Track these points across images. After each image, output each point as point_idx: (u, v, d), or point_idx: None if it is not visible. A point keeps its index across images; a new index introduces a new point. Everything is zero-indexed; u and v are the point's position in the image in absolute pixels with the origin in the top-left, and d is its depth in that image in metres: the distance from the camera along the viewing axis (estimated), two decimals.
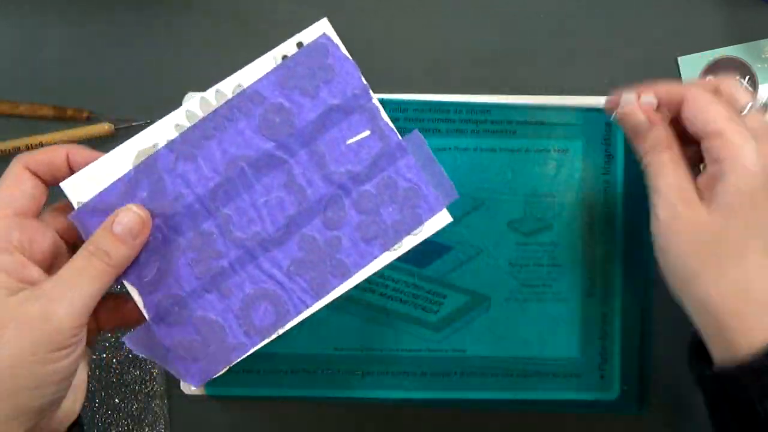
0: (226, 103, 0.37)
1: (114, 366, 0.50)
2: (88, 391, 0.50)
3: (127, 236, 0.35)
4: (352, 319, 0.49)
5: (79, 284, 0.33)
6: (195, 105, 0.37)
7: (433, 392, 0.49)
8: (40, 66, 0.51)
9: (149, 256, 0.36)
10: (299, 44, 0.36)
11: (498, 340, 0.49)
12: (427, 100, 0.49)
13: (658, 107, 0.39)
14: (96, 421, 0.50)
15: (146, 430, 0.50)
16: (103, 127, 0.50)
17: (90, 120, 0.51)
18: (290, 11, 0.51)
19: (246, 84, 0.37)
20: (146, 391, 0.50)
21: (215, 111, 0.37)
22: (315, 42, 0.36)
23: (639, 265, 0.49)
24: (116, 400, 0.50)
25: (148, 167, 0.36)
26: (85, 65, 0.51)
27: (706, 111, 0.37)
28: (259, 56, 0.51)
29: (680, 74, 0.51)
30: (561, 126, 0.49)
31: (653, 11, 0.51)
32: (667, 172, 0.38)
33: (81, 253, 0.34)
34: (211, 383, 0.49)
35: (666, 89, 0.39)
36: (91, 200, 0.36)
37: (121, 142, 0.37)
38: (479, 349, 0.49)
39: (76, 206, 0.36)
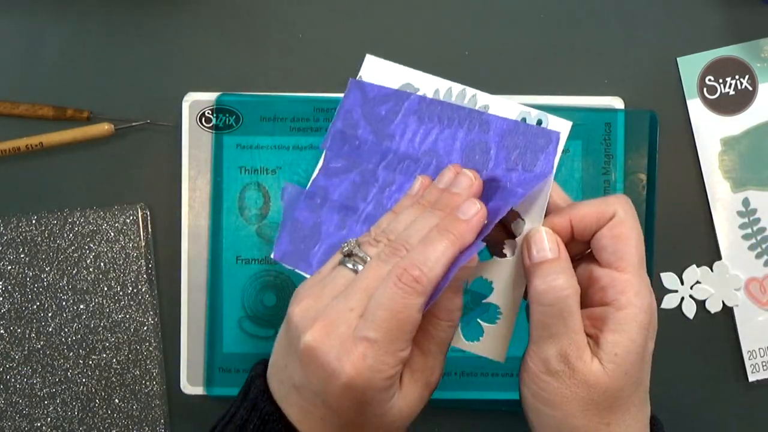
0: (469, 110, 0.38)
1: (114, 366, 0.50)
2: (88, 391, 0.50)
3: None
4: None
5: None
6: (446, 88, 0.38)
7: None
8: (40, 66, 0.51)
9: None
10: (539, 121, 0.36)
11: None
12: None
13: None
14: (96, 421, 0.50)
15: (146, 430, 0.50)
16: (103, 127, 0.50)
17: (90, 120, 0.51)
18: (291, 11, 0.51)
19: (486, 104, 0.38)
20: (146, 391, 0.50)
21: (460, 107, 0.38)
22: (550, 131, 0.36)
23: None
24: (116, 400, 0.50)
25: (400, 97, 0.39)
26: (85, 65, 0.51)
27: (627, 243, 0.34)
28: (259, 55, 0.51)
29: (680, 74, 0.51)
30: None
31: (653, 11, 0.51)
32: (576, 318, 0.33)
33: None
34: (211, 383, 0.49)
35: (583, 212, 0.35)
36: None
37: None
38: None
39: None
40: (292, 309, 0.33)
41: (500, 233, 0.37)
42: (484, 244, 0.34)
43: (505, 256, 0.36)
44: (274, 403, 0.34)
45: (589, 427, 0.33)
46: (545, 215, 0.35)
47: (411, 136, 0.38)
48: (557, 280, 0.33)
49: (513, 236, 0.36)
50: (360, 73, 0.41)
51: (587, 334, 0.34)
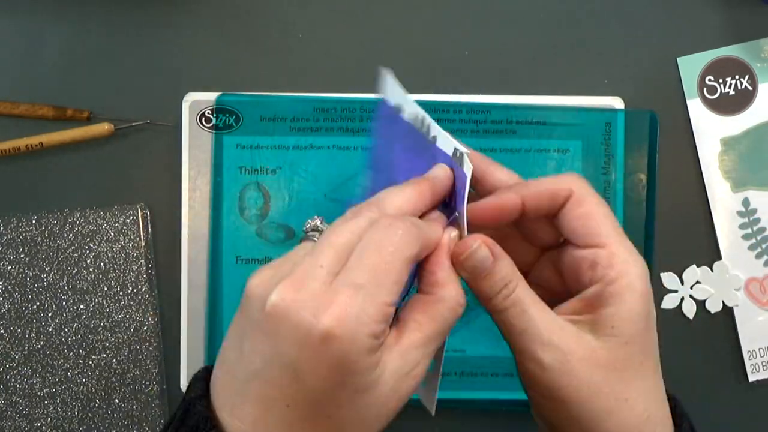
0: (431, 145, 0.36)
1: (114, 366, 0.50)
2: (88, 391, 0.50)
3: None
4: None
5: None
6: (421, 116, 0.36)
7: None
8: (40, 66, 0.51)
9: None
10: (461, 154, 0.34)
11: (498, 340, 0.48)
12: (427, 100, 0.49)
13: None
14: (96, 421, 0.50)
15: (146, 430, 0.50)
16: (103, 127, 0.50)
17: (90, 120, 0.51)
18: (291, 11, 0.51)
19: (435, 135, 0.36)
20: (146, 391, 0.50)
21: (425, 141, 0.36)
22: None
23: None
24: (116, 400, 0.50)
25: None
26: (85, 65, 0.51)
27: (596, 219, 0.33)
28: (259, 55, 0.51)
29: (680, 74, 0.51)
30: (561, 126, 0.49)
31: (653, 11, 0.51)
32: (533, 312, 0.32)
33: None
34: None
35: (534, 190, 0.34)
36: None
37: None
38: (479, 349, 0.49)
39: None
40: (248, 282, 0.30)
41: None
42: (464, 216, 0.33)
43: None
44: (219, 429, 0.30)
45: (606, 407, 0.32)
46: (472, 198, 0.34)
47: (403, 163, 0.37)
48: (505, 281, 0.32)
49: None
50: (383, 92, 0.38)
51: (582, 318, 0.32)
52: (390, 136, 0.37)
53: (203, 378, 0.32)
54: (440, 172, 0.34)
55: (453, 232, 0.33)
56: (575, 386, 0.31)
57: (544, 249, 0.37)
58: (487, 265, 0.32)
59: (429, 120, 0.35)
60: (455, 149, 0.34)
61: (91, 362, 0.50)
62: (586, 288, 0.33)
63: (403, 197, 0.32)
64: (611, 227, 0.33)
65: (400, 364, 0.30)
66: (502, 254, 0.32)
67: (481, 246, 0.32)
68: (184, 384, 0.50)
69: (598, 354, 0.31)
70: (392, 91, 0.37)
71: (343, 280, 0.29)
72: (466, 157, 0.33)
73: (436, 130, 0.35)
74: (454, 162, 0.34)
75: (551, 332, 0.32)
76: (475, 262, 0.32)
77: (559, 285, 0.36)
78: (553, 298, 0.34)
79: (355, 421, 0.30)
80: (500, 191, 0.34)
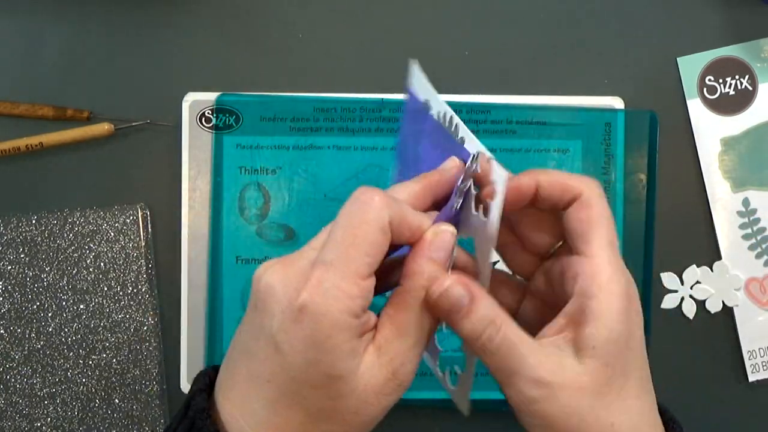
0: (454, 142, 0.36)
1: (114, 366, 0.50)
2: (88, 391, 0.50)
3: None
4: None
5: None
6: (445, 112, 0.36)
7: (433, 392, 0.49)
8: (40, 66, 0.51)
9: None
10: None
11: None
12: None
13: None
14: (96, 421, 0.50)
15: (146, 430, 0.50)
16: (103, 127, 0.50)
17: (90, 120, 0.51)
18: (291, 11, 0.51)
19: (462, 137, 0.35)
20: (146, 391, 0.50)
21: (452, 140, 0.36)
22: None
23: (638, 265, 0.49)
24: (116, 400, 0.50)
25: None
26: (85, 65, 0.51)
27: (595, 228, 0.32)
28: (259, 55, 0.51)
29: (680, 74, 0.51)
30: (561, 126, 0.49)
31: (653, 11, 0.51)
32: (522, 351, 0.31)
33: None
34: None
35: (549, 179, 0.33)
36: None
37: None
38: None
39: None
40: (255, 275, 0.31)
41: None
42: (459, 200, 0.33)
43: None
44: (214, 423, 0.31)
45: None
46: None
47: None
48: (486, 321, 0.30)
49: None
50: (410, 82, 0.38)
51: (566, 337, 0.32)
52: (418, 131, 0.37)
53: (207, 374, 0.33)
54: (450, 164, 0.34)
55: (442, 228, 0.32)
56: (566, 415, 0.31)
57: (542, 258, 0.36)
58: (464, 303, 0.30)
59: (457, 120, 0.35)
60: (477, 153, 0.33)
61: (91, 362, 0.50)
62: (565, 296, 0.32)
63: (407, 191, 0.32)
64: (605, 240, 0.32)
65: (376, 358, 0.30)
66: (481, 294, 0.31)
67: (454, 284, 0.30)
68: (184, 384, 0.50)
69: (582, 380, 0.31)
70: (420, 85, 0.36)
71: (320, 256, 0.29)
72: (494, 163, 0.32)
73: (464, 132, 0.34)
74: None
75: (539, 367, 0.30)
76: (449, 300, 0.30)
77: (554, 296, 0.35)
78: (550, 309, 0.34)
79: (328, 409, 0.30)
80: (518, 175, 0.34)
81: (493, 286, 0.33)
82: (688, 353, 0.51)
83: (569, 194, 0.33)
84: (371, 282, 0.30)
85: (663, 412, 0.34)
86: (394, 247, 0.31)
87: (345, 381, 0.29)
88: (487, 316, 0.31)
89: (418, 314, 0.31)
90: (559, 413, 0.31)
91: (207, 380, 0.33)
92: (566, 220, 0.33)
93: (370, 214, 0.29)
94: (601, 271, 0.31)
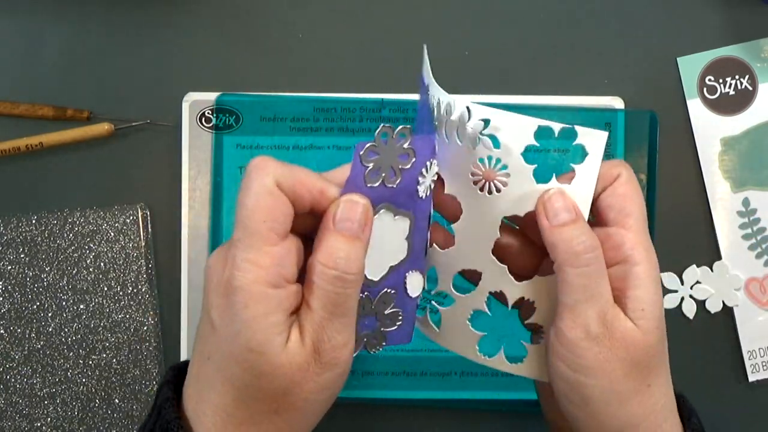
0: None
1: (114, 366, 0.50)
2: (88, 391, 0.50)
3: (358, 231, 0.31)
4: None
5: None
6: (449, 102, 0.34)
7: (433, 392, 0.49)
8: (40, 66, 0.51)
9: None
10: (568, 132, 0.34)
11: None
12: None
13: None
14: (96, 421, 0.50)
15: None
16: (103, 127, 0.50)
17: (90, 120, 0.51)
18: (291, 11, 0.51)
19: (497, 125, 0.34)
20: (146, 391, 0.50)
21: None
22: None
23: None
24: (116, 400, 0.50)
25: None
26: (85, 65, 0.51)
27: (634, 202, 0.34)
28: (259, 55, 0.51)
29: (680, 74, 0.51)
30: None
31: (653, 11, 0.51)
32: (607, 278, 0.33)
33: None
34: None
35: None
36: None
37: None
38: None
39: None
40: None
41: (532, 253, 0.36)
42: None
43: (547, 274, 0.34)
44: (178, 410, 0.32)
45: (632, 390, 0.32)
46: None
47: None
48: (592, 239, 0.32)
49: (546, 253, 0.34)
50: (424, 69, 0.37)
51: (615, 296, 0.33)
52: (423, 115, 0.37)
53: (176, 366, 0.35)
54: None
55: (346, 198, 0.31)
56: (610, 361, 0.32)
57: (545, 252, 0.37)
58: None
59: (446, 103, 0.34)
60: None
61: (91, 362, 0.50)
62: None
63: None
64: (641, 215, 0.34)
65: (299, 335, 0.30)
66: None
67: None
68: None
69: (635, 336, 0.32)
70: (426, 70, 0.36)
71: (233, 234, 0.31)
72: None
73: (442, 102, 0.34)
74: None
75: (609, 309, 0.32)
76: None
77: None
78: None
79: (254, 388, 0.30)
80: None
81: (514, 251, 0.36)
82: (688, 353, 0.51)
83: (610, 177, 0.35)
84: (286, 247, 0.30)
85: (678, 396, 0.36)
86: (315, 212, 0.31)
87: (267, 357, 0.30)
88: (592, 233, 0.32)
89: (326, 288, 0.30)
90: (607, 362, 0.32)
91: (173, 372, 0.34)
92: (603, 196, 0.34)
93: (254, 181, 0.30)
94: (643, 241, 0.33)
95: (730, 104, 0.51)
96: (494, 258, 0.34)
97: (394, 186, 0.32)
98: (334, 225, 0.31)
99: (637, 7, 0.51)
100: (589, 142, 0.33)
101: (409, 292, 0.35)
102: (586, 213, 0.33)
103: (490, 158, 0.33)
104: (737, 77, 0.51)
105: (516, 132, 0.32)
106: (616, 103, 0.50)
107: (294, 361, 0.30)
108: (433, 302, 0.37)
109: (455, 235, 0.35)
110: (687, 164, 0.51)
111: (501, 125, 0.32)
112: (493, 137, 0.33)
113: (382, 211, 0.33)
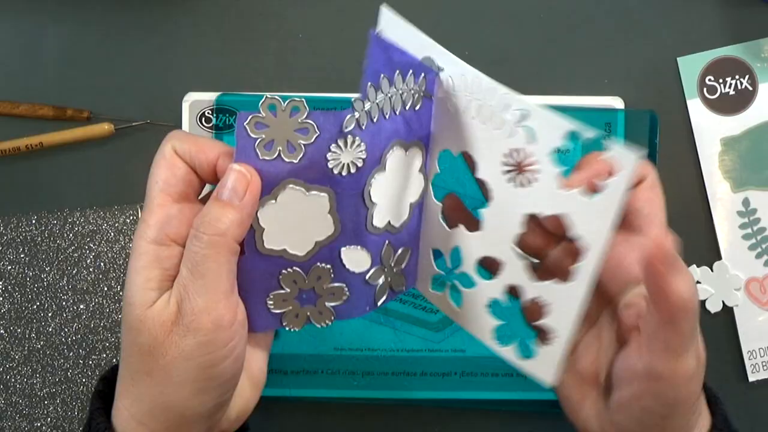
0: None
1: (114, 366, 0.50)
2: (88, 391, 0.50)
3: (234, 199, 0.31)
4: (352, 319, 0.49)
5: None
6: (473, 76, 0.35)
7: (433, 392, 0.49)
8: (40, 66, 0.51)
9: None
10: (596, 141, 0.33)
11: None
12: None
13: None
14: None
15: None
16: (103, 127, 0.50)
17: (90, 120, 0.51)
18: (291, 11, 0.51)
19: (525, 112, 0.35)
20: None
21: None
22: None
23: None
24: None
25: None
26: (85, 65, 0.51)
27: (659, 208, 0.36)
28: (259, 55, 0.51)
29: (680, 74, 0.51)
30: None
31: (653, 11, 0.51)
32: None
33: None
34: None
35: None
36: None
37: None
38: (479, 349, 0.49)
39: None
40: None
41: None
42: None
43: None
44: (105, 414, 0.33)
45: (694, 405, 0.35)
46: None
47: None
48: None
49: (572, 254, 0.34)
50: (379, 28, 0.36)
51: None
52: (373, 71, 0.38)
53: (112, 368, 0.36)
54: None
55: (231, 167, 0.31)
56: (693, 390, 0.35)
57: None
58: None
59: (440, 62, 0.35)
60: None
61: (91, 362, 0.50)
62: (629, 279, 0.35)
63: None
64: (664, 221, 0.36)
65: (168, 294, 0.32)
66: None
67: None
68: None
69: (692, 371, 0.34)
70: (417, 35, 0.37)
71: None
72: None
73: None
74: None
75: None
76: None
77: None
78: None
79: (128, 345, 0.32)
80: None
81: None
82: None
83: (640, 177, 0.36)
84: (178, 208, 0.32)
85: (705, 387, 0.38)
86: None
87: (134, 309, 0.31)
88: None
89: (189, 247, 0.31)
90: (691, 394, 0.35)
91: (108, 373, 0.36)
92: (633, 198, 0.35)
93: (158, 150, 0.33)
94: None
95: (730, 104, 0.51)
96: (518, 251, 0.34)
97: (296, 161, 0.32)
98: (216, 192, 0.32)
99: (637, 7, 0.51)
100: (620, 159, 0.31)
101: (348, 267, 0.35)
102: (610, 225, 0.32)
103: (522, 151, 0.33)
104: (737, 77, 0.51)
105: (549, 131, 0.32)
106: (616, 103, 0.50)
107: (157, 318, 0.31)
108: (456, 282, 0.37)
109: (483, 220, 0.35)
110: (687, 164, 0.51)
111: (536, 120, 0.33)
112: (530, 129, 0.33)
113: (290, 186, 0.32)
